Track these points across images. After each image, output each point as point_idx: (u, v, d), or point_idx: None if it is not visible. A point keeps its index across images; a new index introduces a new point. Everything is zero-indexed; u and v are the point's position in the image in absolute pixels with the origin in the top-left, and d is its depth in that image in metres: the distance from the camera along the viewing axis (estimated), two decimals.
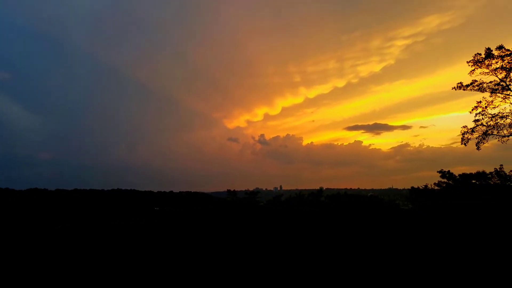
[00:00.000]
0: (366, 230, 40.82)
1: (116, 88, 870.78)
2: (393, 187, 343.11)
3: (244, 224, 50.73)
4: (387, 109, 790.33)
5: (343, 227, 42.95)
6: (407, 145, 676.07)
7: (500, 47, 35.11)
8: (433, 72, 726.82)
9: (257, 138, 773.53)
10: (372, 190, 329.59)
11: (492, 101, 37.38)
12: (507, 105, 36.81)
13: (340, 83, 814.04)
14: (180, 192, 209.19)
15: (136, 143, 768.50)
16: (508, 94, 36.30)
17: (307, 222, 46.68)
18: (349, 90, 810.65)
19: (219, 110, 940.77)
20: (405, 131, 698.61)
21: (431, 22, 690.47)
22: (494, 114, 37.38)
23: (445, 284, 20.87)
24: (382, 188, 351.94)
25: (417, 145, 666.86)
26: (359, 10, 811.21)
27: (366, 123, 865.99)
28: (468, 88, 37.88)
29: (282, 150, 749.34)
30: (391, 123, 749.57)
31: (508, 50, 34.78)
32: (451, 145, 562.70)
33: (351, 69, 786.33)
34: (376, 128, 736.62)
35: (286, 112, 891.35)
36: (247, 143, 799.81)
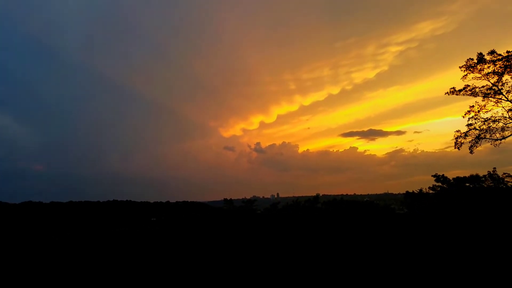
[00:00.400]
0: (362, 235, 41.06)
1: (111, 97, 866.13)
2: (389, 192, 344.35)
3: (241, 232, 50.75)
4: (381, 115, 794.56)
5: (340, 232, 43.17)
6: (401, 150, 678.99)
7: (492, 52, 35.78)
8: (426, 78, 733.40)
9: (253, 146, 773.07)
10: (368, 195, 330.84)
11: (484, 106, 37.99)
12: (499, 109, 37.44)
13: (335, 90, 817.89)
14: (176, 202, 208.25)
15: (132, 153, 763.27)
16: (500, 99, 36.94)
17: (304, 229, 46.83)
18: (344, 97, 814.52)
19: (214, 119, 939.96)
20: (400, 136, 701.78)
21: (424, 28, 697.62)
22: (487, 118, 37.98)
23: (439, 283, 21.17)
24: (377, 193, 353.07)
25: (411, 150, 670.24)
26: (352, 18, 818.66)
27: (361, 129, 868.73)
28: (461, 93, 38.48)
29: (278, 158, 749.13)
30: (385, 128, 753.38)
31: (499, 55, 35.46)
32: (445, 150, 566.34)
33: (346, 76, 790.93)
34: (371, 134, 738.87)
35: (282, 120, 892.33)
36: (243, 152, 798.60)
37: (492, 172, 44.95)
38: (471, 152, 39.34)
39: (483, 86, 37.27)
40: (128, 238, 61.24)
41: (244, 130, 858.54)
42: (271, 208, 64.41)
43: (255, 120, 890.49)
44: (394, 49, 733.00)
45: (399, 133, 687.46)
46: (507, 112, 37.12)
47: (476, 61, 36.71)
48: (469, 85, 37.82)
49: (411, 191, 52.72)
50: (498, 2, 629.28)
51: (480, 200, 40.47)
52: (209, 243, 46.54)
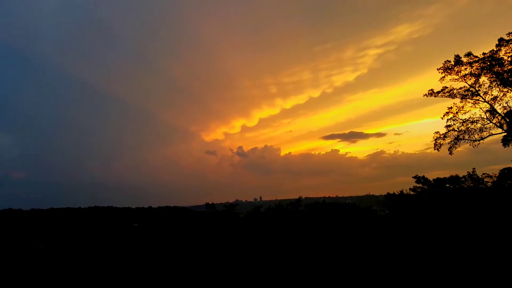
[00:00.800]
0: (344, 237, 40.98)
1: (90, 103, 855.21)
2: (370, 194, 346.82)
3: (222, 236, 50.24)
4: (362, 118, 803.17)
5: (322, 235, 43.01)
6: (382, 152, 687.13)
7: (468, 54, 36.12)
8: (405, 80, 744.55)
9: (235, 150, 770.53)
10: (350, 197, 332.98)
11: (462, 107, 38.37)
12: (477, 110, 37.87)
13: (315, 93, 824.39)
14: (158, 207, 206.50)
15: (112, 159, 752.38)
16: (478, 100, 37.32)
17: (285, 232, 46.57)
18: (324, 100, 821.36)
19: (196, 123, 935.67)
20: (380, 138, 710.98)
21: (402, 31, 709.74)
22: (465, 119, 38.39)
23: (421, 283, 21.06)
24: (359, 195, 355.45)
25: (392, 152, 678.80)
26: (331, 22, 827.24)
27: (342, 132, 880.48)
28: (439, 94, 38.77)
29: (261, 161, 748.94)
30: (366, 131, 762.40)
31: (476, 56, 35.81)
32: (425, 151, 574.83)
33: (326, 79, 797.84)
34: (352, 137, 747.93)
35: (263, 123, 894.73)
36: (225, 156, 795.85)
37: (471, 173, 45.36)
38: (450, 153, 39.70)
39: (460, 88, 37.64)
40: (109, 244, 60.04)
41: (226, 134, 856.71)
42: (253, 212, 63.99)
43: (236, 124, 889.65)
44: (373, 52, 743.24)
45: (379, 135, 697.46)
46: (485, 113, 37.57)
47: (453, 63, 37.02)
48: (447, 87, 38.15)
49: (392, 193, 52.92)
50: (474, 5, 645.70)
51: (460, 200, 40.79)
52: (189, 247, 45.87)
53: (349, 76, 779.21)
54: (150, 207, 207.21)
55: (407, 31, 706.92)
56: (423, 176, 49.17)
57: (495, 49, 35.23)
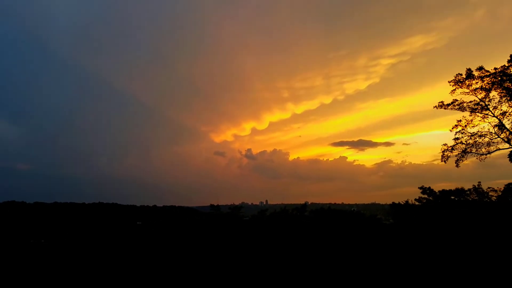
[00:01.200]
0: (348, 244, 41.34)
1: (101, 98, 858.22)
2: (376, 202, 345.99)
3: (226, 238, 50.64)
4: (371, 126, 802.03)
5: (326, 241, 43.37)
6: (390, 161, 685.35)
7: (480, 68, 36.56)
8: (416, 91, 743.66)
9: (244, 153, 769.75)
10: (356, 205, 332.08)
11: (471, 120, 38.75)
12: (485, 124, 38.24)
13: (327, 99, 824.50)
14: (164, 206, 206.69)
15: (119, 155, 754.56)
16: (487, 114, 37.70)
17: (290, 236, 46.93)
18: (335, 107, 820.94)
19: (206, 124, 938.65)
20: (388, 147, 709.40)
21: (416, 42, 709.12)
22: (473, 133, 38.74)
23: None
24: (365, 203, 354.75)
25: (399, 162, 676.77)
26: (346, 29, 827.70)
27: (351, 139, 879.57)
28: (449, 107, 39.19)
29: (269, 165, 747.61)
30: (375, 139, 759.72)
31: (487, 71, 36.24)
32: (432, 162, 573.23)
33: (338, 86, 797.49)
34: (361, 145, 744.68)
35: (274, 127, 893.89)
36: (233, 157, 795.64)
37: (477, 186, 45.60)
38: (457, 165, 40.04)
39: (470, 101, 38.05)
40: (110, 242, 60.60)
41: (235, 136, 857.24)
42: (259, 215, 64.33)
43: (247, 126, 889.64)
44: (386, 61, 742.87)
45: (388, 144, 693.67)
46: (493, 127, 37.91)
47: (464, 76, 37.47)
48: (457, 100, 38.57)
49: (398, 202, 53.20)
50: (488, 20, 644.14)
51: (464, 213, 41.07)
52: (192, 248, 46.32)
53: (361, 84, 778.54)
54: (155, 205, 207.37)
55: (421, 42, 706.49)
56: (429, 187, 49.45)
57: (506, 65, 35.64)
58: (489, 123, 38.12)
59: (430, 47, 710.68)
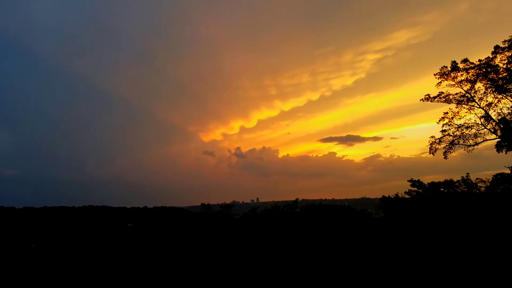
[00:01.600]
0: (338, 238, 41.44)
1: (87, 100, 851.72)
2: (366, 197, 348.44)
3: (218, 237, 50.46)
4: (359, 121, 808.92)
5: (316, 236, 43.42)
6: (378, 155, 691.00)
7: (465, 60, 36.83)
8: (402, 85, 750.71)
9: (233, 151, 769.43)
10: (346, 200, 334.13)
11: (458, 112, 39.08)
12: (472, 116, 38.59)
13: (314, 96, 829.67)
14: (154, 207, 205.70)
15: (108, 157, 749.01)
16: (473, 106, 38.03)
17: (282, 233, 46.91)
18: (323, 103, 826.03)
19: (194, 123, 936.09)
20: (377, 142, 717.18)
21: (401, 37, 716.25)
22: (460, 124, 39.10)
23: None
24: (355, 198, 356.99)
25: (388, 156, 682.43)
26: (331, 26, 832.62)
27: (339, 135, 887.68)
28: (435, 99, 39.45)
29: (258, 163, 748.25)
30: (363, 134, 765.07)
31: (472, 63, 36.54)
32: (421, 155, 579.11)
33: (324, 83, 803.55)
34: (349, 140, 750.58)
35: (262, 124, 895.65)
36: (223, 156, 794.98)
37: (465, 177, 45.89)
38: (445, 157, 40.37)
39: (456, 94, 38.35)
40: (101, 245, 60.09)
41: (224, 134, 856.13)
42: (250, 213, 64.21)
43: (235, 125, 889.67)
44: (372, 57, 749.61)
45: (376, 139, 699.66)
46: (480, 119, 38.27)
47: (450, 69, 37.74)
48: (443, 92, 38.86)
49: (387, 196, 53.37)
50: (471, 13, 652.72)
51: (453, 205, 41.33)
52: (184, 249, 46.09)
53: (348, 80, 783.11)
54: (145, 207, 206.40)
55: (406, 37, 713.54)
56: (418, 180, 49.66)
57: (490, 56, 35.96)
58: (475, 114, 38.51)
59: (415, 41, 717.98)
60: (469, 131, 38.70)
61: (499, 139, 37.41)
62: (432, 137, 40.88)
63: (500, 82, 35.74)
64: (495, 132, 37.62)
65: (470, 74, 36.90)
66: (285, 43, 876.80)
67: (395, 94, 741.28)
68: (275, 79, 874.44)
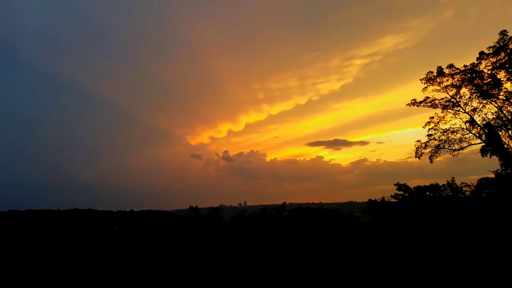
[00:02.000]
0: (325, 241, 41.56)
1: (73, 103, 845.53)
2: (353, 201, 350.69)
3: (206, 240, 50.24)
4: (346, 126, 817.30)
5: (303, 239, 43.48)
6: (365, 160, 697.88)
7: (450, 66, 37.35)
8: (389, 90, 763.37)
9: (220, 155, 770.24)
10: (333, 203, 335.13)
11: (443, 117, 39.56)
12: (457, 120, 39.08)
13: (302, 100, 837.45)
14: (141, 211, 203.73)
15: (94, 160, 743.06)
16: (458, 111, 38.54)
17: (270, 236, 46.90)
18: (310, 107, 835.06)
19: (181, 126, 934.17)
20: (363, 146, 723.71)
21: (387, 42, 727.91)
22: (446, 129, 39.59)
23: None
24: (342, 202, 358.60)
25: (374, 160, 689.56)
26: (319, 31, 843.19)
27: (326, 139, 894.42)
28: (421, 104, 39.89)
29: (246, 166, 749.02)
30: (350, 139, 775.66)
31: (457, 68, 37.07)
32: (407, 160, 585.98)
33: (312, 87, 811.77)
34: (336, 144, 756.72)
35: (250, 128, 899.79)
36: (210, 160, 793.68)
37: (451, 182, 46.40)
38: (431, 161, 40.77)
39: (442, 98, 38.85)
40: (87, 248, 59.37)
41: (211, 138, 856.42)
42: (238, 216, 64.19)
43: (223, 128, 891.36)
44: (359, 62, 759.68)
45: (362, 143, 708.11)
46: (465, 123, 38.76)
47: (435, 74, 38.22)
48: (429, 97, 39.32)
49: (374, 199, 53.75)
50: (457, 20, 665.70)
51: (439, 208, 41.74)
52: (171, 251, 45.77)
53: (335, 84, 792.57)
54: (131, 210, 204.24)
55: (392, 42, 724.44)
56: (404, 184, 50.11)
57: (475, 62, 36.51)
58: (461, 119, 39.02)
59: (401, 47, 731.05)
60: (455, 136, 39.19)
61: (483, 144, 37.93)
62: (418, 141, 41.30)
63: (484, 88, 36.29)
64: (480, 137, 38.14)
65: (456, 79, 37.42)
66: (273, 47, 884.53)
67: (382, 99, 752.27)
68: (263, 83, 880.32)
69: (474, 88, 37.00)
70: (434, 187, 47.15)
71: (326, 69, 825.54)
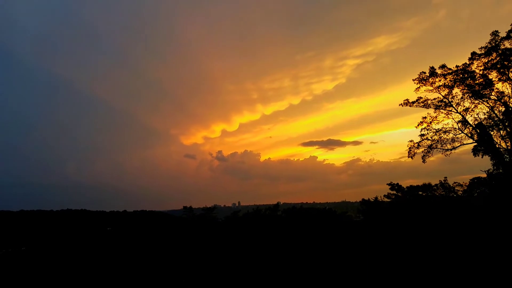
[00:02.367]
0: (319, 241, 41.65)
1: (67, 102, 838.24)
2: (346, 200, 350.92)
3: (200, 240, 50.17)
4: (339, 126, 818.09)
5: (298, 239, 43.54)
6: (358, 160, 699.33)
7: (442, 66, 37.58)
8: (382, 90, 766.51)
9: (214, 155, 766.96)
10: (327, 203, 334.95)
11: (436, 117, 39.84)
12: (449, 120, 39.35)
13: (296, 100, 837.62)
14: (134, 211, 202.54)
15: (87, 160, 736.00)
16: (451, 111, 38.80)
17: (264, 236, 46.92)
18: (304, 107, 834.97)
19: (175, 126, 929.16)
20: (357, 146, 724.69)
21: (380, 42, 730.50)
22: (438, 129, 39.85)
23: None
24: (336, 202, 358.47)
25: (368, 160, 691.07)
26: (312, 31, 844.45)
27: (320, 139, 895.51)
28: (414, 104, 40.10)
29: (240, 166, 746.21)
30: (343, 139, 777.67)
31: (450, 69, 37.32)
32: (400, 159, 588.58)
33: (306, 87, 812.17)
34: (330, 144, 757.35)
35: (244, 128, 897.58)
36: (204, 160, 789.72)
37: (443, 181, 46.62)
38: (424, 161, 41.06)
39: (434, 99, 39.10)
40: (80, 249, 59.03)
41: (205, 138, 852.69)
42: (232, 216, 64.03)
43: (217, 128, 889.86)
44: (352, 62, 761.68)
45: (356, 143, 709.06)
46: (457, 123, 39.03)
47: (428, 74, 38.43)
48: (421, 97, 39.56)
49: (367, 199, 53.88)
50: (449, 20, 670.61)
51: (432, 208, 41.96)
52: (165, 252, 45.64)
53: (328, 85, 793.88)
54: (125, 211, 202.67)
55: (385, 42, 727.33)
56: (397, 183, 50.28)
57: (467, 63, 36.80)
58: (453, 119, 39.31)
59: (394, 47, 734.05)
60: (447, 136, 39.48)
61: (475, 144, 38.25)
62: (411, 141, 41.58)
63: (476, 88, 36.58)
64: (471, 137, 38.44)
65: (448, 79, 37.67)
66: (266, 47, 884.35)
67: (375, 99, 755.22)
68: (256, 83, 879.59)
69: (466, 88, 37.27)
70: (426, 187, 47.36)
71: (320, 69, 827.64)
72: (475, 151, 38.37)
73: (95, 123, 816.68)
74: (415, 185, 48.69)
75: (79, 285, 29.47)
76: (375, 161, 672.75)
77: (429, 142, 40.28)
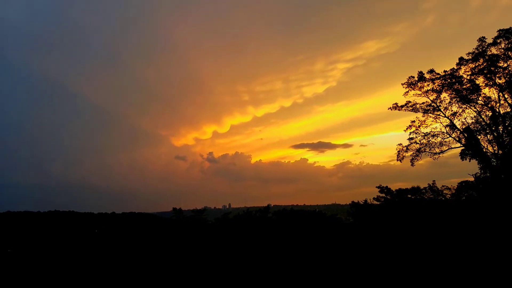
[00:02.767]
0: (309, 243, 41.86)
1: (54, 102, 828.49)
2: (336, 203, 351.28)
3: (190, 243, 50.08)
4: (330, 128, 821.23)
5: (288, 241, 43.71)
6: (348, 162, 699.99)
7: (431, 71, 38.12)
8: (372, 94, 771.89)
9: (205, 156, 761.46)
10: (317, 206, 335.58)
11: (424, 121, 40.30)
12: (437, 124, 39.86)
13: (287, 103, 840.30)
14: (123, 213, 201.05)
15: (77, 161, 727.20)
16: (439, 115, 39.30)
17: (254, 238, 46.99)
18: (295, 110, 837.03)
19: (166, 127, 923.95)
20: (347, 149, 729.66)
21: (370, 47, 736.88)
22: (426, 133, 40.34)
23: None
24: (326, 204, 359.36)
25: (357, 163, 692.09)
26: (304, 35, 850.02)
27: (311, 142, 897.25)
28: (403, 108, 40.55)
29: (231, 168, 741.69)
30: (334, 141, 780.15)
31: (438, 74, 37.85)
32: (389, 163, 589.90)
33: (297, 90, 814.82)
34: (320, 146, 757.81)
35: (235, 130, 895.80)
36: (195, 161, 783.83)
37: (432, 185, 47.08)
38: (412, 164, 41.48)
39: (423, 103, 39.60)
40: (67, 251, 58.57)
41: (196, 139, 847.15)
42: (222, 218, 63.97)
43: (208, 130, 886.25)
44: (342, 66, 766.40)
45: (346, 146, 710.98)
46: (445, 127, 39.54)
47: (416, 79, 38.93)
48: (410, 101, 40.01)
49: (357, 202, 54.19)
50: (438, 25, 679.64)
51: (420, 211, 42.38)
52: (154, 255, 45.52)
53: (319, 88, 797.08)
54: (113, 212, 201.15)
55: (375, 47, 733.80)
56: (386, 186, 50.62)
57: (455, 68, 37.35)
58: (441, 123, 39.80)
59: (384, 51, 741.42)
60: (435, 139, 39.97)
61: (463, 148, 38.77)
62: (400, 144, 42.00)
63: (464, 93, 37.13)
64: (459, 141, 38.97)
65: (436, 84, 38.20)
66: (258, 50, 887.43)
67: (365, 103, 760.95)
68: (248, 85, 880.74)
69: (454, 93, 37.81)
70: (415, 190, 47.78)
71: (311, 72, 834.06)
72: (462, 155, 38.88)
73: (84, 124, 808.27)
74: (404, 188, 49.10)
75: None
76: (365, 164, 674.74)
77: (417, 146, 40.74)
